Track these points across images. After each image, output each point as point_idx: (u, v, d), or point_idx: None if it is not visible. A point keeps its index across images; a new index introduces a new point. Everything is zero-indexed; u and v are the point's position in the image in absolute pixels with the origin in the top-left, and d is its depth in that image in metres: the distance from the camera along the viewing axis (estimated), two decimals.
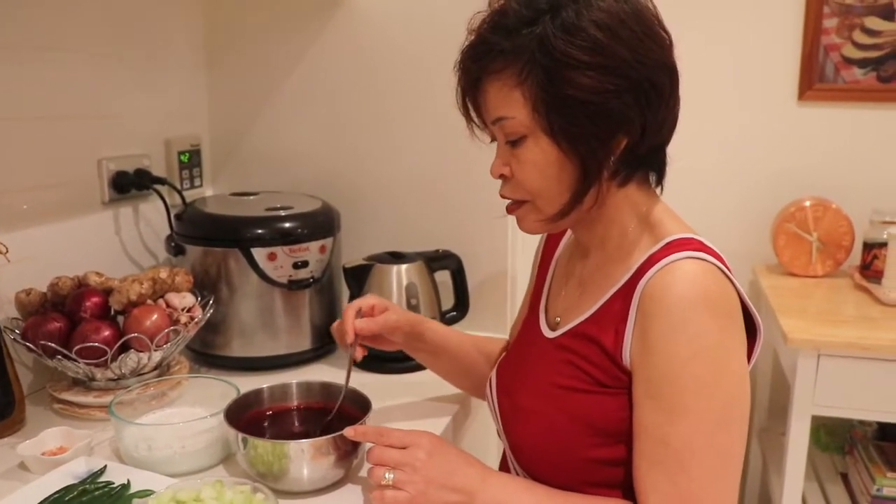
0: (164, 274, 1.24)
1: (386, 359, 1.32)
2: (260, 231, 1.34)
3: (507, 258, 1.57)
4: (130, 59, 1.45)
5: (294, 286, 1.35)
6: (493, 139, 0.93)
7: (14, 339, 1.13)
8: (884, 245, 2.03)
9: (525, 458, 0.94)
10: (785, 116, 2.25)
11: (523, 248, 1.65)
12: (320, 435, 0.96)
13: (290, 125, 1.64)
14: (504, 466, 1.03)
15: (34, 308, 1.18)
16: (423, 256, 1.46)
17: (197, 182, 1.64)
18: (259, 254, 1.33)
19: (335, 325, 1.13)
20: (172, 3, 1.56)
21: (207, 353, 1.38)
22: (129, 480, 0.95)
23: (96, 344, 1.11)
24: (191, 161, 1.61)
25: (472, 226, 1.56)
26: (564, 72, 0.80)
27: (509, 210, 0.94)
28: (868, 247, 2.09)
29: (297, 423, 1.06)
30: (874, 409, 1.74)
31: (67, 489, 0.93)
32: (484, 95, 0.88)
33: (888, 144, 2.18)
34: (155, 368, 1.21)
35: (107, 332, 1.14)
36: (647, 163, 0.90)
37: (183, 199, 1.47)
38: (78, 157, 1.35)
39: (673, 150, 0.92)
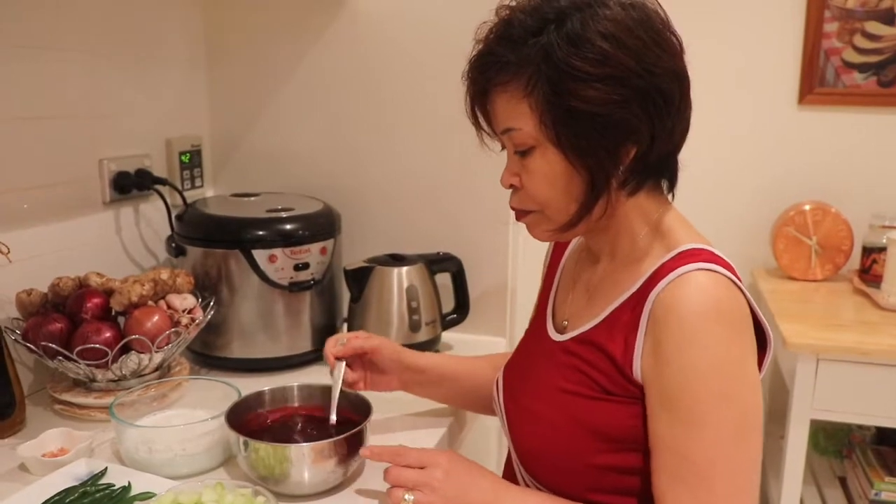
0: (165, 275, 1.23)
1: None
2: (261, 232, 1.33)
3: (508, 261, 1.57)
4: (131, 59, 1.45)
5: (295, 288, 1.35)
6: (504, 147, 0.93)
7: (15, 339, 1.13)
8: (883, 249, 2.03)
9: (530, 462, 0.94)
10: (785, 120, 2.25)
11: (524, 250, 1.65)
12: (321, 438, 0.96)
13: (292, 126, 1.64)
14: (509, 470, 1.03)
15: (35, 308, 1.17)
16: (423, 259, 1.46)
17: (198, 182, 1.63)
18: (260, 255, 1.32)
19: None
20: (173, 3, 1.55)
21: (208, 355, 1.38)
22: (129, 483, 0.95)
23: (97, 345, 1.11)
24: (191, 161, 1.61)
25: (472, 228, 1.56)
26: (570, 84, 0.80)
27: (519, 217, 0.94)
28: (867, 251, 2.09)
29: (298, 426, 1.06)
30: (873, 413, 1.75)
31: (68, 491, 0.93)
32: (492, 105, 0.88)
33: (888, 149, 2.19)
34: (156, 370, 1.21)
35: (108, 334, 1.14)
36: (658, 170, 0.89)
37: (184, 199, 1.47)
38: (79, 157, 1.35)
39: None
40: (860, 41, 2.15)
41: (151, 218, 1.51)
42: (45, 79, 1.26)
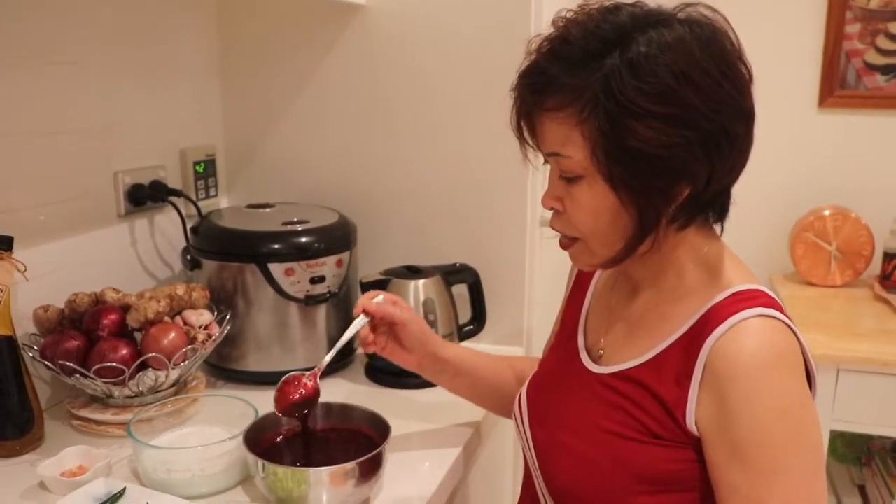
0: (180, 290, 1.23)
1: (399, 373, 1.31)
2: (277, 246, 1.33)
3: (525, 270, 1.55)
4: (145, 70, 1.44)
5: (311, 301, 1.35)
6: (546, 161, 0.88)
7: (33, 356, 1.13)
8: None
9: (560, 495, 0.92)
10: (805, 123, 2.22)
11: (541, 260, 1.64)
12: (340, 457, 0.96)
13: (305, 135, 1.63)
14: (528, 495, 1.01)
15: (52, 325, 1.17)
16: (440, 271, 1.45)
17: (212, 192, 1.63)
18: (276, 269, 1.32)
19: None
20: (186, 14, 1.55)
21: (224, 368, 1.38)
22: (147, 503, 0.95)
23: (114, 364, 1.10)
24: (206, 171, 1.60)
25: (489, 238, 1.55)
26: (628, 120, 0.75)
27: (563, 245, 0.90)
28: (889, 257, 2.07)
29: (316, 446, 1.05)
30: (894, 425, 1.73)
31: None
32: (541, 126, 0.83)
33: None
34: (172, 385, 1.21)
35: (124, 351, 1.13)
36: (711, 206, 0.86)
37: (199, 210, 1.46)
38: (93, 170, 1.34)
39: None
40: (883, 42, 2.12)
41: (166, 229, 1.51)
42: (58, 93, 1.25)
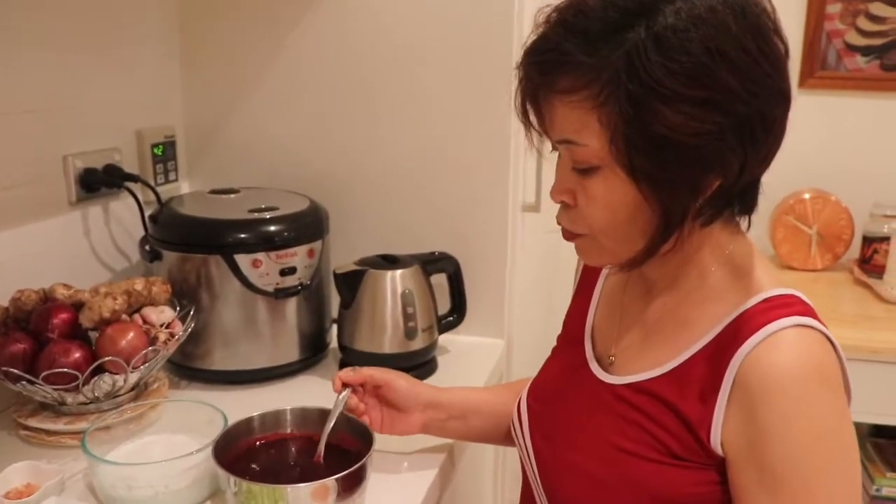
0: (139, 285, 1.13)
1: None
2: (243, 235, 1.23)
3: (507, 259, 1.48)
4: (95, 44, 1.32)
5: (281, 294, 1.25)
6: (554, 149, 0.79)
7: None
8: (884, 239, 1.98)
9: None
10: None
11: (523, 246, 1.57)
12: (319, 469, 0.89)
13: (273, 115, 1.52)
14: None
15: None
16: (418, 260, 1.37)
17: (172, 176, 1.52)
18: (243, 260, 1.22)
19: None
20: None
21: (188, 367, 1.28)
22: None
23: (66, 369, 1.00)
24: (165, 154, 1.49)
25: (468, 225, 1.46)
26: (655, 103, 0.66)
27: (567, 237, 0.81)
28: (868, 241, 2.04)
29: (292, 456, 0.97)
30: (871, 411, 1.70)
31: None
32: (551, 109, 0.73)
33: (891, 135, 2.12)
34: (131, 389, 1.11)
35: (77, 354, 1.03)
36: (738, 199, 0.76)
37: (158, 197, 1.35)
38: (41, 153, 1.22)
39: None
40: (864, 23, 2.08)
41: (123, 217, 1.40)
42: (2, 71, 1.13)
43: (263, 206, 1.30)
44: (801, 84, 2.14)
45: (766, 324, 0.72)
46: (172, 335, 1.12)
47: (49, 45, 1.22)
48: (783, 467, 0.70)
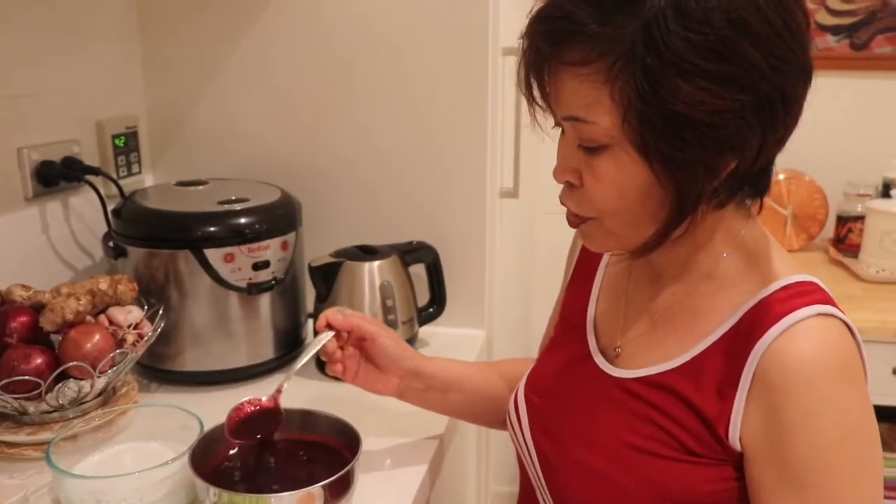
0: (104, 284, 1.06)
1: None
2: (213, 229, 1.17)
3: (486, 247, 1.44)
4: (52, 31, 1.24)
5: (254, 290, 1.20)
6: (557, 125, 0.74)
7: None
8: (859, 218, 1.98)
9: None
10: None
11: (502, 234, 1.53)
12: (304, 474, 0.85)
13: (240, 101, 1.45)
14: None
15: None
16: (396, 250, 1.32)
17: (135, 169, 1.45)
18: (213, 255, 1.16)
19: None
20: None
21: (158, 368, 1.22)
22: None
23: (27, 377, 0.94)
24: (127, 145, 1.42)
25: (445, 212, 1.42)
26: (673, 78, 0.61)
27: (572, 222, 0.76)
28: (842, 220, 2.04)
29: (273, 461, 0.91)
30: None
31: None
32: (558, 83, 0.68)
33: (862, 115, 2.12)
34: (99, 395, 1.05)
35: (39, 360, 0.97)
36: (752, 181, 0.73)
37: (121, 190, 1.29)
38: None
39: None
40: (834, 3, 2.07)
41: (84, 213, 1.32)
42: None
43: (234, 198, 1.24)
44: None
45: (787, 313, 0.69)
46: (141, 336, 1.06)
47: (2, 29, 1.14)
48: (806, 466, 0.67)
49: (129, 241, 1.20)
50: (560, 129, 0.74)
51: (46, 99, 1.24)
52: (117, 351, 1.01)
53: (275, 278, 1.22)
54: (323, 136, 1.43)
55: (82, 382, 0.99)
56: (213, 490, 0.80)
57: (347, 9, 1.36)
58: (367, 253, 1.30)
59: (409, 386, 0.97)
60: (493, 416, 1.02)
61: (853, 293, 1.80)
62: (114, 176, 1.33)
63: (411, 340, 1.32)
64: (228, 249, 1.17)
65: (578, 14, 0.64)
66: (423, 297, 1.39)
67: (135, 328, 1.07)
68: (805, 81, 0.67)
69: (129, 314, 1.07)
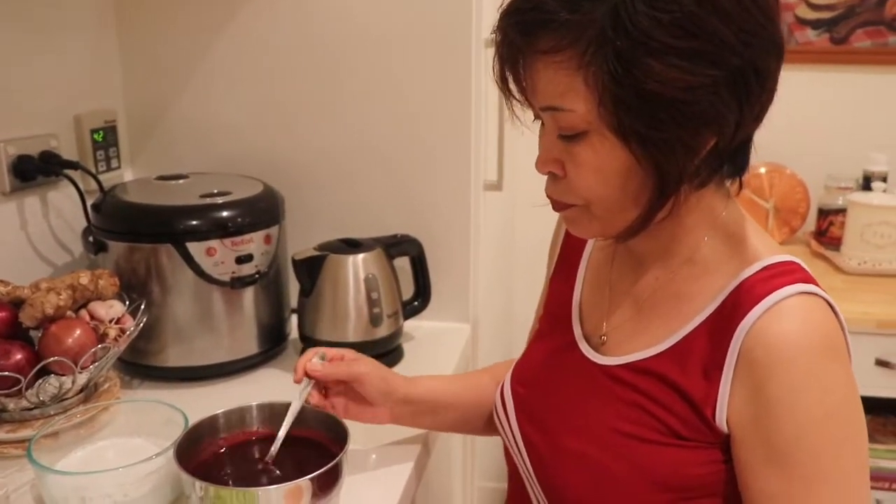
0: (84, 279, 1.05)
1: None
2: (195, 222, 1.16)
3: (470, 240, 1.43)
4: (28, 23, 1.22)
5: (237, 284, 1.18)
6: (537, 118, 0.74)
7: None
8: (840, 211, 2.00)
9: None
10: None
11: (486, 227, 1.52)
12: (291, 468, 0.83)
13: (221, 94, 1.44)
14: (519, 500, 0.89)
15: None
16: (380, 243, 1.31)
17: (114, 163, 1.43)
18: (196, 249, 1.15)
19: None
20: None
21: (140, 364, 1.20)
22: None
23: (6, 373, 0.92)
24: (106, 140, 1.40)
25: (429, 205, 1.41)
26: (644, 58, 0.62)
27: (556, 208, 0.76)
28: (823, 213, 2.06)
29: (259, 456, 0.90)
30: None
31: None
32: (532, 74, 0.69)
33: (841, 108, 2.14)
34: (80, 391, 1.03)
35: (19, 356, 0.95)
36: (731, 159, 0.73)
37: (100, 185, 1.27)
38: None
39: None
40: None
41: (63, 208, 1.30)
42: None
43: (215, 191, 1.22)
44: None
45: (768, 293, 0.69)
46: (123, 331, 1.04)
47: None
48: (791, 445, 0.67)
49: (109, 235, 1.18)
50: (540, 121, 0.74)
51: (23, 93, 1.22)
52: (99, 346, 0.99)
53: (258, 272, 1.21)
54: (305, 130, 1.42)
55: (63, 378, 0.98)
56: (199, 484, 0.79)
57: (330, 1, 1.35)
58: (352, 246, 1.28)
59: (400, 413, 0.96)
60: (489, 426, 1.00)
61: (835, 285, 1.81)
62: (93, 171, 1.31)
63: (397, 334, 1.31)
64: (211, 243, 1.15)
65: (548, 3, 0.64)
66: (408, 290, 1.38)
67: (116, 323, 1.05)
68: (777, 55, 0.68)
69: (111, 309, 1.05)
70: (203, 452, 0.89)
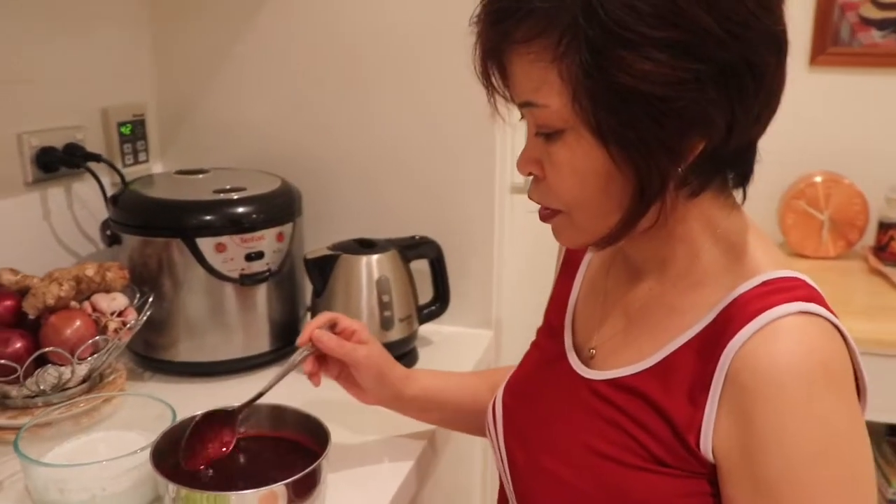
0: (90, 271, 1.05)
1: None
2: (206, 218, 1.15)
3: (494, 242, 1.39)
4: (58, 12, 1.24)
5: (247, 281, 1.18)
6: (523, 117, 0.71)
7: None
8: None
9: None
10: (795, 83, 2.01)
11: (511, 232, 1.48)
12: (271, 472, 0.81)
13: (250, 91, 1.44)
14: None
15: None
16: (396, 244, 1.28)
17: (142, 157, 1.44)
18: (205, 244, 1.15)
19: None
20: None
21: (152, 357, 1.21)
22: None
23: (3, 361, 0.93)
24: (134, 134, 1.41)
25: (452, 206, 1.38)
26: (618, 50, 0.57)
27: (543, 218, 0.72)
28: (884, 227, 1.94)
29: (241, 459, 0.89)
30: (887, 409, 1.60)
31: None
32: (509, 66, 0.65)
33: None
34: (83, 381, 1.04)
35: (18, 344, 0.96)
36: (730, 165, 0.67)
37: (122, 178, 1.28)
38: None
39: None
40: None
41: (87, 200, 1.32)
42: None
43: (229, 187, 1.22)
44: (812, 61, 2.03)
45: (762, 310, 0.62)
46: (124, 324, 1.04)
47: (7, 11, 1.14)
48: (781, 482, 0.60)
49: (123, 228, 1.19)
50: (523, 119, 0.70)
51: (50, 85, 1.24)
52: (98, 337, 1.00)
53: (269, 269, 1.20)
54: (331, 127, 1.41)
55: (62, 368, 0.98)
56: (171, 486, 0.78)
57: (356, 3, 1.33)
58: (366, 246, 1.26)
59: (388, 404, 0.96)
60: (474, 429, 0.99)
61: (892, 305, 1.70)
62: (118, 164, 1.33)
63: (410, 338, 1.28)
64: (220, 239, 1.15)
65: None
66: (427, 294, 1.35)
67: (119, 315, 1.05)
68: (776, 50, 0.62)
69: (113, 301, 1.05)
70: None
